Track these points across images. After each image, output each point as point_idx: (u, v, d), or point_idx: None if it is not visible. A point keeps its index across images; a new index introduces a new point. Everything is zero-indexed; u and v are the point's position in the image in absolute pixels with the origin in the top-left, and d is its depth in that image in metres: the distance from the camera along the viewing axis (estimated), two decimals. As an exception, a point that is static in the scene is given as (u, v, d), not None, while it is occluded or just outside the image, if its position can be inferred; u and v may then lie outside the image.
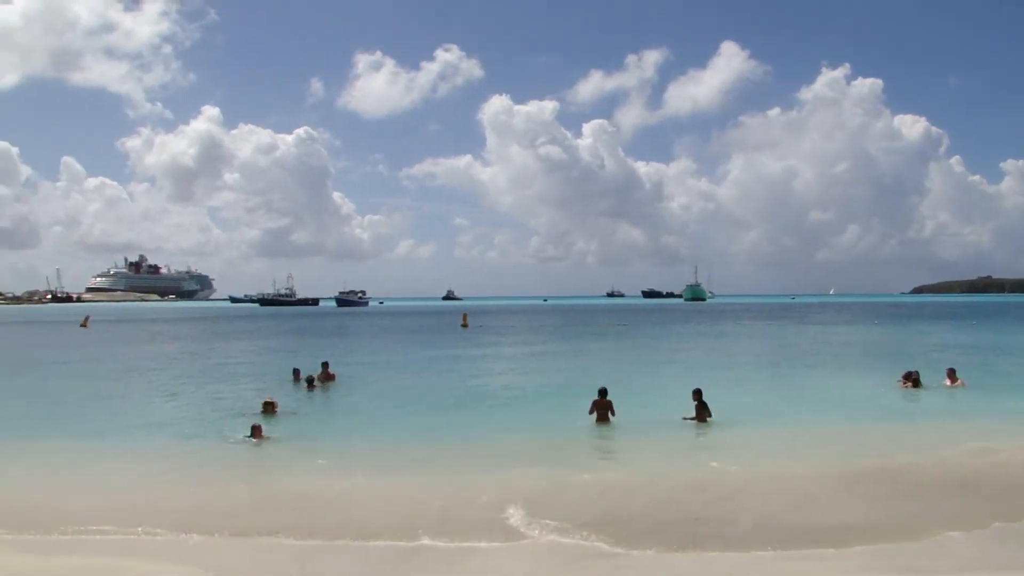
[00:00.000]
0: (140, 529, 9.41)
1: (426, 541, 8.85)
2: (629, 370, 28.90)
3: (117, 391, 24.05)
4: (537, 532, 9.12)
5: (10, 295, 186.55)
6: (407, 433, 16.44)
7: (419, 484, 11.69)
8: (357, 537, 9.09)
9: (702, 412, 16.46)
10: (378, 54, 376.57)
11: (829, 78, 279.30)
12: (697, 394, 16.62)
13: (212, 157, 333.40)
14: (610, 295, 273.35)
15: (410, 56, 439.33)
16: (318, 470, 12.78)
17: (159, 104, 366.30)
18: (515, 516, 9.67)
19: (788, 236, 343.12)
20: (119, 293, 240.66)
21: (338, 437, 16.09)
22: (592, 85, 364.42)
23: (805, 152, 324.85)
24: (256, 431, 15.05)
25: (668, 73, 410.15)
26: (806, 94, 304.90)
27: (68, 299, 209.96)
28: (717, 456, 13.44)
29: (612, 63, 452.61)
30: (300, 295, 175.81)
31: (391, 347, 43.83)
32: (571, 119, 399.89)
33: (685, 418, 16.53)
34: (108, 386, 25.25)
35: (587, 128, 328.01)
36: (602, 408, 16.54)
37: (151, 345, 47.61)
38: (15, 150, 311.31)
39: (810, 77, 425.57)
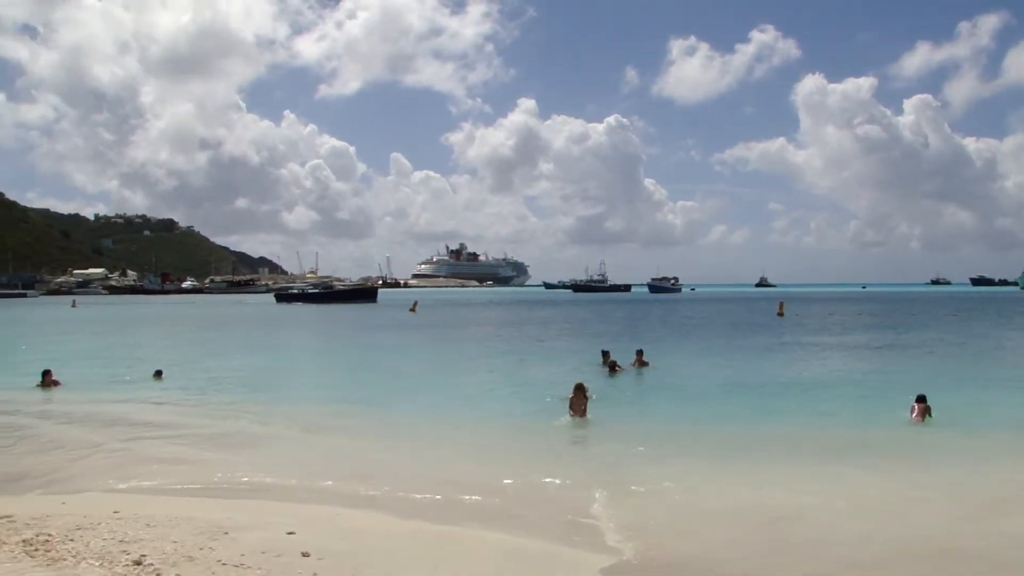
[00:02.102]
0: (475, 497, 9.89)
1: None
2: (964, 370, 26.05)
3: (441, 371, 26.45)
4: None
5: (348, 280, 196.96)
6: (718, 419, 15.99)
7: (736, 472, 11.21)
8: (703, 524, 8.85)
9: None
10: (692, 39, 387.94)
11: None
12: None
13: (529, 148, 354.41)
14: (935, 282, 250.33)
15: (724, 39, 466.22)
16: (634, 454, 12.56)
17: (479, 100, 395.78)
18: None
19: None
20: (441, 279, 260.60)
21: (648, 420, 15.95)
22: (918, 58, 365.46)
23: None
24: (574, 409, 15.33)
25: (1007, 39, 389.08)
26: None
27: (396, 285, 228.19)
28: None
29: (941, 33, 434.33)
30: (612, 281, 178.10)
31: (703, 334, 42.79)
32: (890, 96, 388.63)
33: None
34: (434, 366, 28.06)
35: (908, 104, 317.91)
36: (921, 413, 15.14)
37: (472, 328, 51.24)
38: (352, 149, 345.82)
39: None
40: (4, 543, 6.64)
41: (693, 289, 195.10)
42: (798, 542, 8.17)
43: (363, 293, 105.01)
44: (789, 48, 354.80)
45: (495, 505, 9.62)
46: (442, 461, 12.23)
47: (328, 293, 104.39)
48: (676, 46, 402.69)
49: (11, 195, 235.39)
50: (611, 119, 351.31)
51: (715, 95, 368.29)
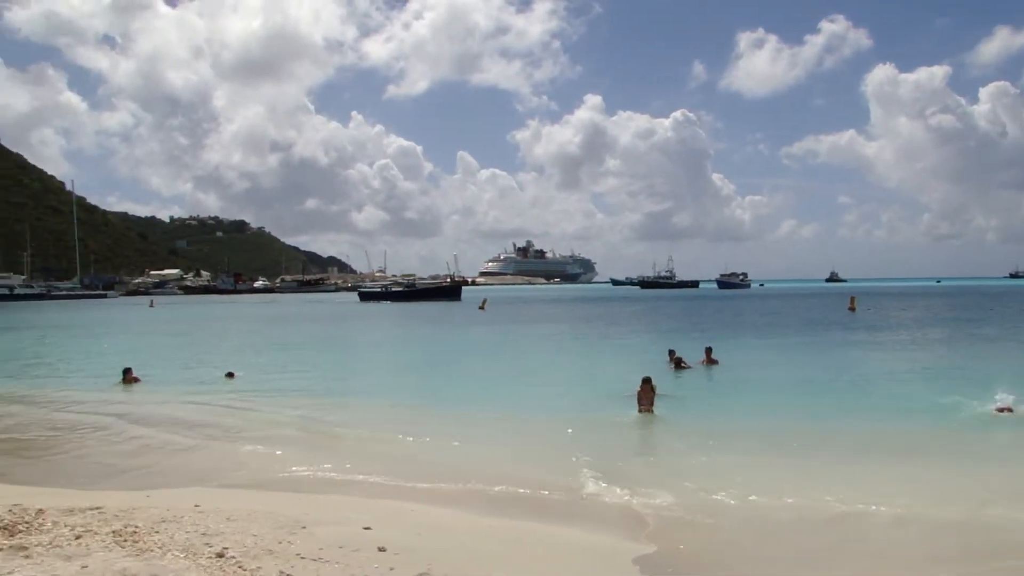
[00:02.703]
0: (546, 492, 9.98)
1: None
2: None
3: (510, 367, 26.56)
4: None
5: (435, 277, 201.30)
6: (787, 416, 15.71)
7: (803, 470, 11.12)
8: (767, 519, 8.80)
9: None
10: (760, 31, 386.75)
11: None
12: None
13: (595, 144, 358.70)
14: (1013, 275, 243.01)
15: (794, 31, 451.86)
16: (700, 450, 12.51)
17: (545, 97, 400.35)
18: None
19: None
20: (508, 276, 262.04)
21: (715, 417, 15.79)
22: (996, 44, 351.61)
23: None
24: (642, 402, 15.41)
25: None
26: None
27: (464, 282, 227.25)
28: None
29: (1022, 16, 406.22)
30: (680, 277, 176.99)
31: (773, 330, 42.11)
32: (964, 85, 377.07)
33: None
34: (503, 363, 28.11)
35: (984, 92, 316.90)
36: None
37: (540, 325, 51.20)
38: (419, 149, 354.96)
39: None
40: (96, 533, 6.93)
41: (762, 285, 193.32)
42: (852, 542, 8.05)
43: (447, 291, 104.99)
44: (860, 38, 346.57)
45: (565, 501, 9.67)
46: (511, 457, 12.33)
47: (411, 291, 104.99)
48: (744, 39, 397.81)
49: (92, 200, 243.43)
50: (677, 114, 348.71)
51: (783, 88, 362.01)
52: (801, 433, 13.97)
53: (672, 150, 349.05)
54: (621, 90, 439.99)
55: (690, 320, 53.73)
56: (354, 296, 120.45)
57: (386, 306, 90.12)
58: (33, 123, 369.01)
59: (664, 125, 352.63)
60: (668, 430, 14.42)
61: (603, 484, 10.28)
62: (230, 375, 22.53)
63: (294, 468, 11.60)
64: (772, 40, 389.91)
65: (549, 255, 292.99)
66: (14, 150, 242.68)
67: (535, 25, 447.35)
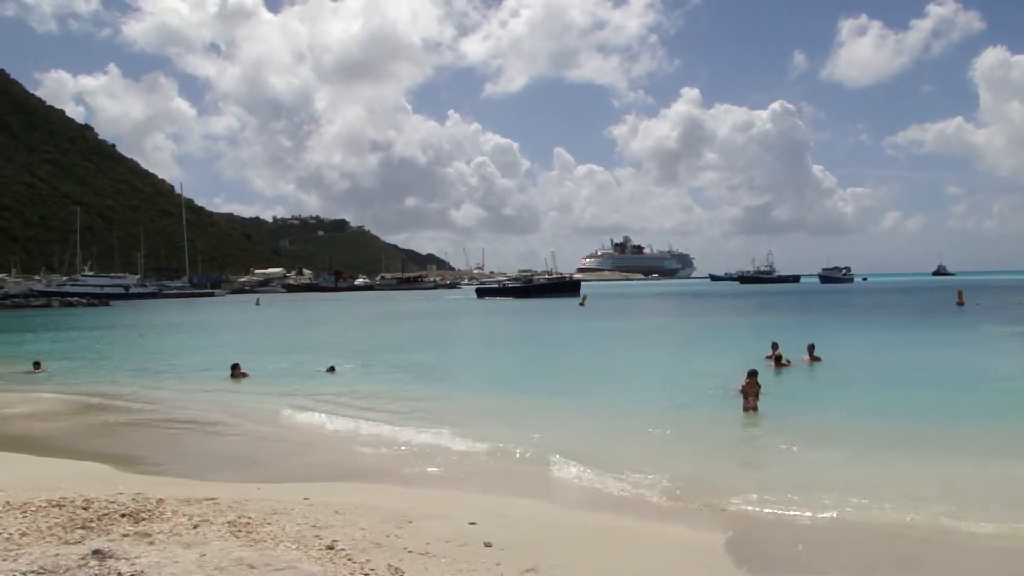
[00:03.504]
0: (646, 489, 9.93)
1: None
2: None
3: (610, 363, 26.57)
4: None
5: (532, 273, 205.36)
6: (892, 415, 15.22)
7: (905, 471, 10.75)
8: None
9: None
10: (863, 18, 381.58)
11: None
12: None
13: (693, 138, 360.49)
14: None
15: (899, 15, 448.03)
16: (808, 448, 12.33)
17: (641, 91, 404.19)
18: None
19: None
20: (606, 273, 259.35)
21: (818, 415, 15.38)
22: None
23: None
24: (747, 397, 15.21)
25: None
26: None
27: (561, 279, 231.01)
28: None
29: None
30: (780, 272, 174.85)
31: (877, 326, 41.14)
32: None
33: None
34: (603, 358, 28.04)
35: None
36: None
37: (639, 320, 51.39)
38: (516, 146, 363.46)
39: None
40: (212, 522, 7.19)
41: (865, 279, 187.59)
42: (945, 560, 7.68)
43: (566, 286, 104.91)
44: (971, 20, 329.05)
45: (664, 498, 9.60)
46: (611, 453, 12.26)
47: (530, 287, 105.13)
48: (846, 26, 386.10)
49: (200, 202, 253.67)
50: (776, 105, 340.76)
51: (888, 75, 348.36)
52: (908, 434, 13.45)
53: (771, 142, 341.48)
54: (719, 83, 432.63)
55: (791, 316, 52.58)
56: (463, 292, 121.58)
57: (503, 302, 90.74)
58: (147, 130, 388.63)
59: (762, 117, 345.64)
60: (771, 429, 14.09)
61: (703, 482, 10.17)
62: (331, 369, 23.13)
63: (397, 462, 11.83)
64: (876, 26, 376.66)
65: (647, 251, 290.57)
66: (129, 156, 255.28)
67: (632, 19, 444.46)
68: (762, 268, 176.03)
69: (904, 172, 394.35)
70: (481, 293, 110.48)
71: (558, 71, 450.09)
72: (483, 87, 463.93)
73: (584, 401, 17.75)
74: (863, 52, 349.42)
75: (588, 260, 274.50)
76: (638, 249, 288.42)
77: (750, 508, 9.09)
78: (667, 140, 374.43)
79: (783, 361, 21.91)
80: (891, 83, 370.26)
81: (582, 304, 71.16)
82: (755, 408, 15.08)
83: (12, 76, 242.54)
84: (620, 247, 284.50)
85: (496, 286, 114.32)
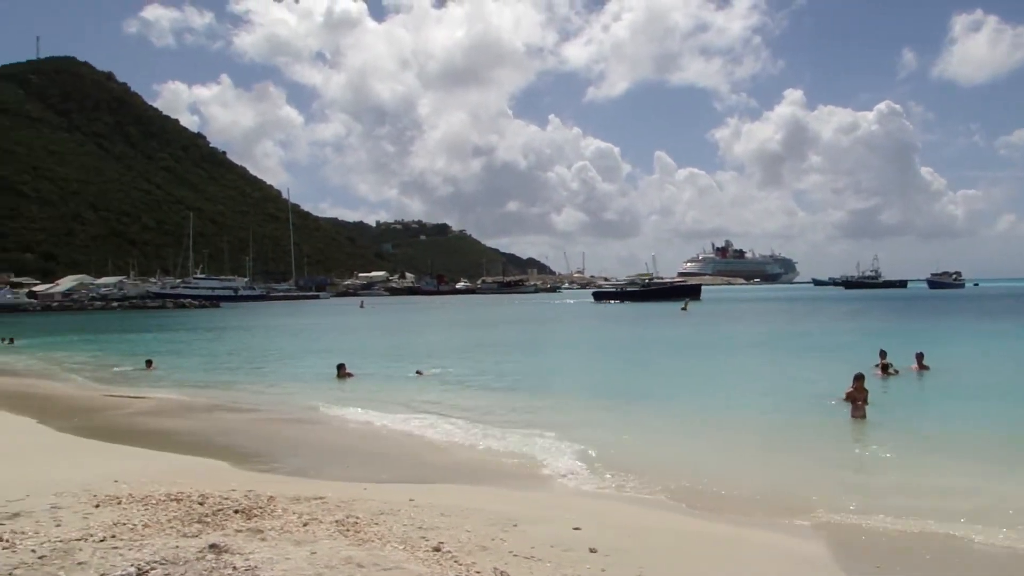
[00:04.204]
0: (752, 497, 9.79)
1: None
2: None
3: (713, 368, 26.44)
4: None
5: (614, 279, 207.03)
6: (1005, 428, 14.64)
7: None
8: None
9: None
10: (978, 12, 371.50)
11: None
12: None
13: (796, 141, 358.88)
14: None
15: (1017, 8, 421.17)
16: (918, 461, 11.97)
17: (743, 94, 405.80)
18: None
19: None
20: (707, 277, 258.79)
21: (932, 427, 14.80)
22: None
23: None
24: (854, 403, 14.99)
25: None
26: None
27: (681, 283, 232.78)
28: None
29: None
30: (886, 277, 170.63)
31: (991, 334, 39.51)
32: None
33: None
34: (705, 363, 27.82)
35: None
36: None
37: (741, 325, 51.12)
38: (617, 150, 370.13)
39: None
40: (320, 521, 7.38)
41: (977, 284, 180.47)
42: None
43: (686, 290, 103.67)
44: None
45: (771, 508, 9.41)
46: (717, 459, 12.17)
47: (648, 290, 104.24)
48: (959, 22, 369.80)
49: (306, 207, 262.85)
50: (882, 106, 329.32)
51: (1003, 72, 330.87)
52: (1020, 449, 12.86)
53: (877, 144, 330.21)
54: (823, 84, 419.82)
55: (898, 322, 50.89)
56: (574, 296, 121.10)
57: (617, 306, 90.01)
58: (256, 137, 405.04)
59: (867, 118, 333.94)
60: (878, 437, 13.65)
61: (808, 491, 9.99)
62: (419, 373, 23.51)
63: (497, 465, 11.90)
64: (992, 21, 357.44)
65: (748, 255, 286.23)
66: (239, 163, 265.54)
67: (735, 21, 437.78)
68: (867, 273, 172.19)
69: (1019, 173, 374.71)
70: (599, 297, 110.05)
71: (660, 74, 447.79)
72: (585, 91, 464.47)
73: (686, 407, 17.56)
74: (978, 48, 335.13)
75: (689, 264, 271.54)
76: (740, 253, 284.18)
77: (856, 518, 8.89)
78: (770, 143, 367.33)
79: (890, 370, 21.11)
80: (1007, 80, 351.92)
81: (684, 309, 70.49)
82: (863, 415, 14.76)
83: (133, 89, 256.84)
84: (721, 251, 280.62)
85: (613, 289, 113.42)
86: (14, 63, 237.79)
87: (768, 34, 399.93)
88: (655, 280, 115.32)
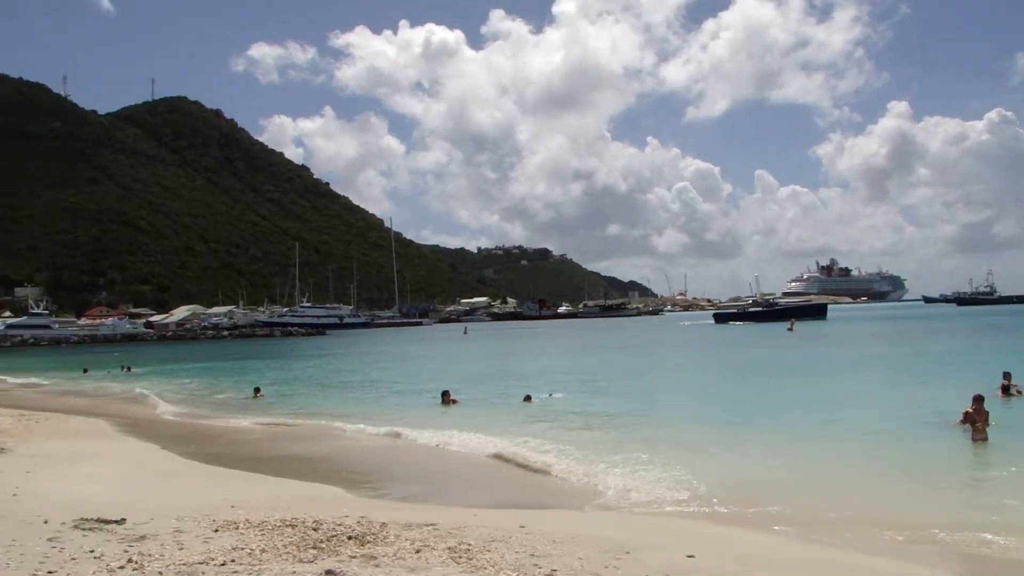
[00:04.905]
0: (871, 524, 9.53)
1: None
2: None
3: (825, 389, 25.76)
4: None
5: (717, 301, 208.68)
6: None
7: None
8: None
9: None
10: None
11: None
12: None
13: (903, 154, 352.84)
14: None
15: None
16: None
17: (846, 108, 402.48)
18: None
19: None
20: (812, 297, 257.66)
21: None
22: None
23: None
24: (974, 426, 14.48)
25: None
26: None
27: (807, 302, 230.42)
28: None
29: None
30: (1002, 292, 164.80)
31: None
32: None
33: None
34: (816, 384, 27.11)
35: None
36: None
37: (849, 346, 49.68)
38: (717, 170, 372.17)
39: None
40: (433, 548, 7.43)
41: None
42: None
43: (811, 310, 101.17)
44: None
45: (891, 534, 9.12)
46: (833, 485, 11.87)
47: (771, 311, 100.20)
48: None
49: (408, 235, 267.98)
50: (992, 114, 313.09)
51: None
52: None
53: (990, 154, 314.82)
54: (930, 94, 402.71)
55: (1020, 341, 47.84)
56: (690, 317, 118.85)
57: (739, 328, 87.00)
58: (359, 167, 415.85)
59: (977, 128, 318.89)
60: (1002, 460, 13.02)
61: (934, 516, 9.64)
62: (527, 399, 23.37)
63: (608, 489, 11.79)
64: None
65: (855, 273, 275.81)
66: (342, 193, 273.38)
67: (836, 35, 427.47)
68: (981, 289, 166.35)
69: None
70: (720, 318, 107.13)
71: (760, 92, 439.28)
72: (684, 112, 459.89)
73: (799, 430, 17.16)
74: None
75: (793, 284, 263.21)
76: (845, 271, 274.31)
77: (986, 545, 8.55)
78: (875, 157, 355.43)
79: (1012, 391, 19.97)
80: None
81: (790, 329, 68.69)
82: (984, 437, 14.17)
83: (240, 125, 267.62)
84: (826, 270, 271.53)
85: (735, 310, 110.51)
86: (132, 104, 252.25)
87: (871, 46, 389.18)
88: (777, 299, 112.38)
